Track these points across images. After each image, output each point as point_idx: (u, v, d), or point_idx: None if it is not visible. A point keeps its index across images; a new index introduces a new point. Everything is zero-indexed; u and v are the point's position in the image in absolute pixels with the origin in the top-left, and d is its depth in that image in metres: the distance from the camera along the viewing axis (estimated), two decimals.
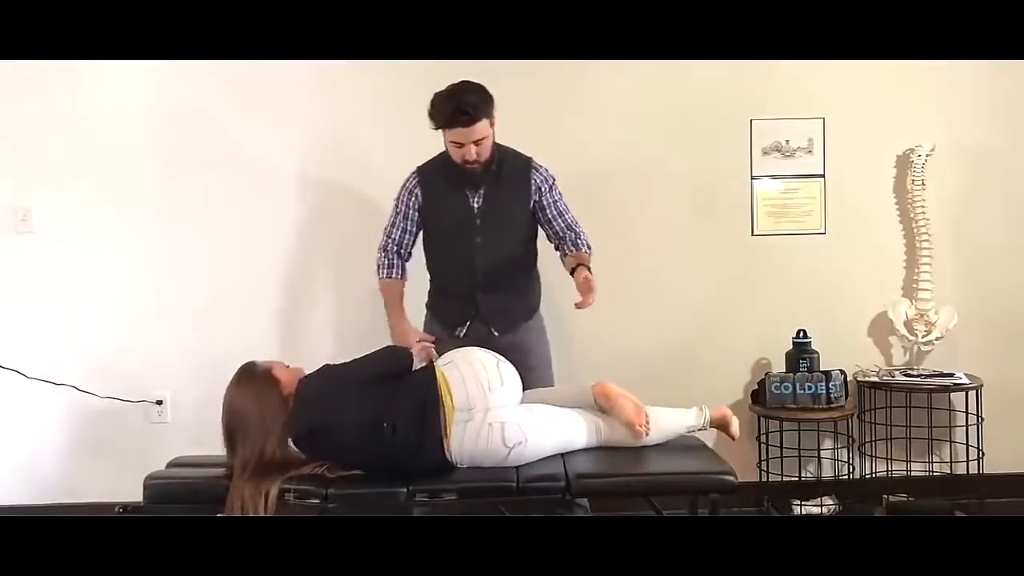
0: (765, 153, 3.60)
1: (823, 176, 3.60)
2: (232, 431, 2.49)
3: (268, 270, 3.56)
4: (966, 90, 3.57)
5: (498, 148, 2.89)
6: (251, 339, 3.55)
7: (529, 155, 2.99)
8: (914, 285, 3.54)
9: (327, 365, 2.65)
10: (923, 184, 3.51)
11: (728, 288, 3.61)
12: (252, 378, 2.56)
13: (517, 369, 2.65)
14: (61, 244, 3.53)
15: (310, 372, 2.60)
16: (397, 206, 3.00)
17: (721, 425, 2.75)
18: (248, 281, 3.56)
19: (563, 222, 2.97)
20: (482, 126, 2.75)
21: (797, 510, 3.45)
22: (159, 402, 3.57)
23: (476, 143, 2.76)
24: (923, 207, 3.51)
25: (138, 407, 3.56)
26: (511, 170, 2.90)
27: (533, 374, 2.86)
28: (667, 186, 3.59)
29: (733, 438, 2.75)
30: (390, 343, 2.90)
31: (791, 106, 3.58)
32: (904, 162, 3.57)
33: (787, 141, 3.59)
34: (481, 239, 2.91)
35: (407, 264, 3.05)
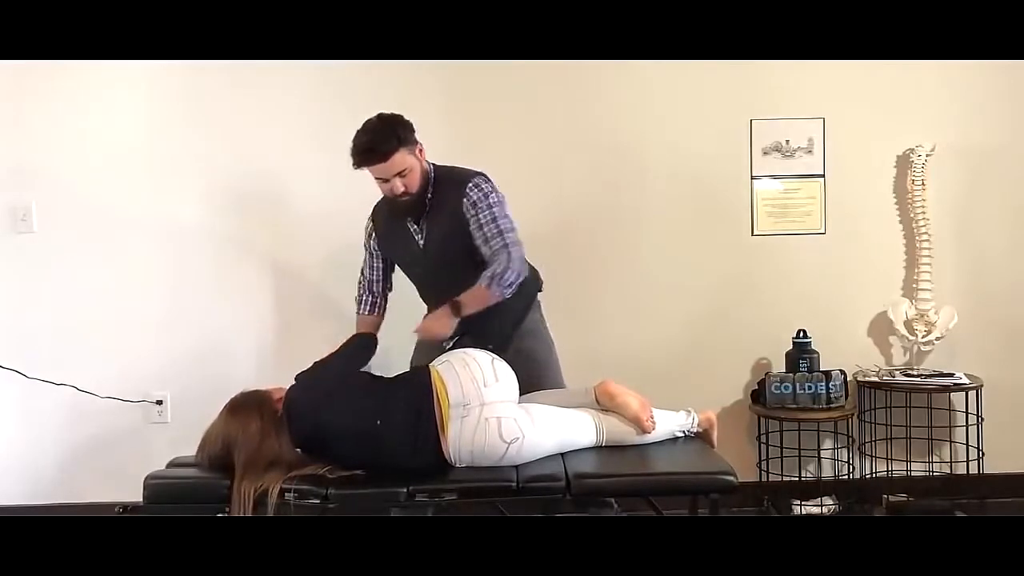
0: (765, 153, 3.60)
1: (823, 176, 3.61)
2: (228, 449, 2.49)
3: (269, 270, 3.56)
4: (966, 90, 3.57)
5: (435, 173, 2.77)
6: (251, 339, 3.56)
7: (477, 171, 2.79)
8: (914, 285, 3.54)
9: (304, 372, 2.63)
10: (923, 184, 3.51)
11: (728, 288, 3.61)
12: (245, 403, 2.56)
13: (526, 377, 2.66)
14: (61, 244, 3.54)
15: (293, 384, 2.59)
16: (365, 244, 3.00)
17: (705, 430, 2.75)
18: (248, 281, 3.56)
19: (498, 241, 2.68)
20: (399, 158, 2.64)
21: (797, 510, 3.45)
22: (159, 402, 3.57)
23: (400, 175, 2.67)
24: (923, 207, 3.51)
25: (138, 407, 3.56)
26: (445, 198, 2.74)
27: (542, 379, 2.81)
28: (667, 186, 3.59)
29: (712, 446, 2.74)
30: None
31: (791, 106, 3.58)
32: (904, 162, 3.57)
33: (787, 141, 3.59)
34: (433, 273, 2.84)
35: (385, 299, 3.01)
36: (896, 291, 3.61)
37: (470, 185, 2.72)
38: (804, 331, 3.48)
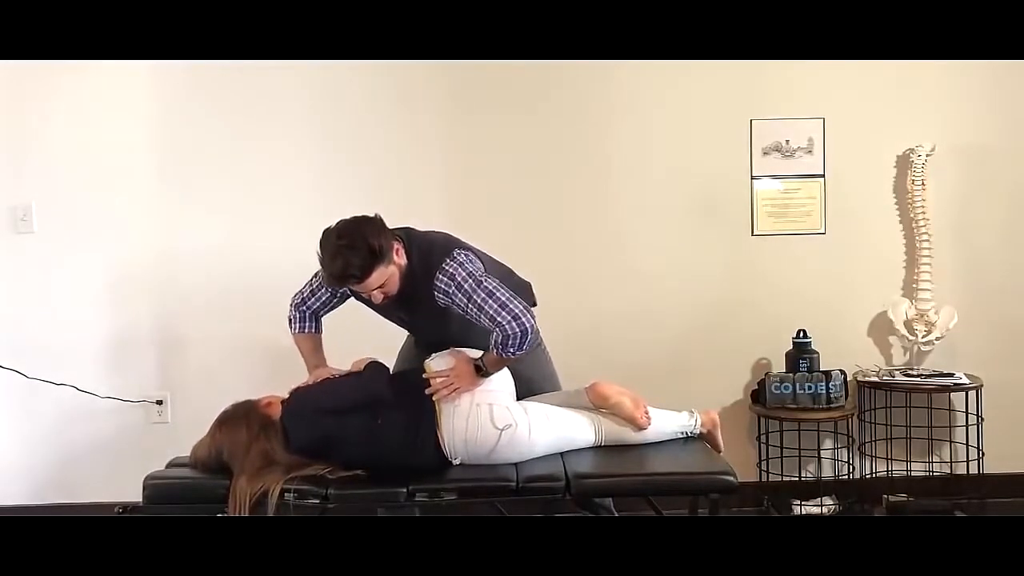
0: (765, 153, 3.60)
1: (823, 176, 3.60)
2: (219, 460, 2.50)
3: (267, 270, 3.56)
4: (966, 90, 3.57)
5: (409, 263, 2.55)
6: (251, 339, 3.55)
7: (450, 246, 2.59)
8: (914, 285, 3.54)
9: (311, 386, 2.66)
10: (923, 184, 3.51)
11: (728, 288, 3.61)
12: (233, 415, 2.56)
13: (523, 392, 2.66)
14: (61, 244, 3.54)
15: (295, 388, 2.62)
16: (319, 278, 2.73)
17: (709, 431, 2.75)
18: (248, 281, 3.56)
19: (485, 317, 2.46)
20: (377, 275, 2.46)
21: (797, 510, 3.45)
22: (159, 402, 3.57)
23: (380, 288, 2.50)
24: (923, 207, 3.51)
25: (138, 407, 3.56)
26: (423, 292, 2.56)
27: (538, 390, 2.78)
28: (667, 186, 3.59)
29: (718, 451, 2.74)
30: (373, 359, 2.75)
31: (791, 106, 3.58)
32: (904, 162, 3.57)
33: (787, 141, 3.59)
34: (419, 337, 2.81)
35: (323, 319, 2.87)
36: (896, 291, 3.61)
37: (438, 276, 2.53)
38: (804, 331, 3.48)
